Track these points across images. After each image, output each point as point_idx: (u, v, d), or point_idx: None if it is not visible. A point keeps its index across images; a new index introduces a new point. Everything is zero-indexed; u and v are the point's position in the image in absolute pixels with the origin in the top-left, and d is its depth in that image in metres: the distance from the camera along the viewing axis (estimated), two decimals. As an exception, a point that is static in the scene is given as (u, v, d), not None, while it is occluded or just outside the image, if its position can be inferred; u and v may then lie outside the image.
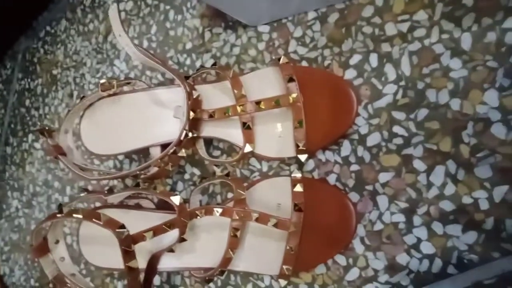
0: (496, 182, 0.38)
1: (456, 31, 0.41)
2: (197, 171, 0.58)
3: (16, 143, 0.90)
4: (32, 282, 0.80)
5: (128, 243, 0.38)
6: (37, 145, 0.84)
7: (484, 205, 0.39)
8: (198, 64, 0.60)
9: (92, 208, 0.55)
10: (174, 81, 0.62)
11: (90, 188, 0.68)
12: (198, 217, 0.44)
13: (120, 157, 0.65)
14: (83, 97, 0.50)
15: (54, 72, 0.83)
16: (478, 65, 0.40)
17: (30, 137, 0.86)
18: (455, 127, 0.41)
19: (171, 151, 0.45)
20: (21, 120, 0.90)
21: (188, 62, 0.61)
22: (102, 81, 0.48)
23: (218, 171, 0.55)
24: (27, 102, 0.89)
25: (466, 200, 0.39)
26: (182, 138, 0.44)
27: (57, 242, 0.48)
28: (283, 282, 0.46)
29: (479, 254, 0.38)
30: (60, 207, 0.43)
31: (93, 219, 0.38)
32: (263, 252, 0.46)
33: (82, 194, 0.49)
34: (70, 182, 0.75)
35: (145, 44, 0.67)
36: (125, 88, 0.52)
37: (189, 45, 0.61)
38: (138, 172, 0.46)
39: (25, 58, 0.93)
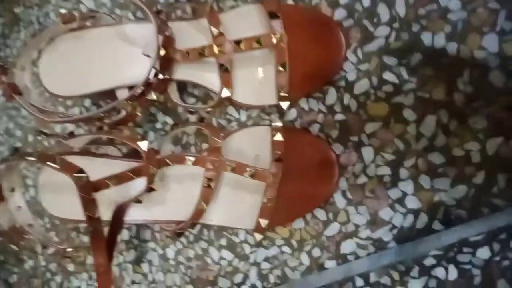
0: (490, 134, 0.36)
1: (457, -32, 0.38)
2: (170, 120, 0.55)
3: (-25, 88, 0.85)
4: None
5: (88, 190, 0.35)
6: (-2, 90, 0.79)
7: (476, 158, 0.37)
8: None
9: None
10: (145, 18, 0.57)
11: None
12: (169, 166, 0.41)
13: (87, 104, 0.61)
14: (42, 29, 0.45)
15: (16, 10, 0.77)
16: (478, 6, 0.37)
17: (-10, 81, 0.81)
18: (450, 73, 0.38)
19: (139, 91, 0.41)
20: (-20, 63, 0.84)
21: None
22: (62, 11, 0.44)
23: (192, 119, 0.52)
24: (-13, 43, 0.83)
25: (457, 152, 0.38)
26: (151, 77, 0.40)
27: (12, 190, 0.45)
28: (258, 236, 0.44)
29: (467, 209, 0.37)
30: (15, 150, 0.40)
31: (48, 162, 0.35)
32: (238, 205, 0.44)
33: (39, 137, 0.46)
34: (34, 131, 0.70)
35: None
36: (88, 23, 0.47)
37: (164, -19, 0.56)
38: (102, 115, 0.42)
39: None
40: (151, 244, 0.55)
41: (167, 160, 0.41)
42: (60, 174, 0.36)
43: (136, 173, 0.38)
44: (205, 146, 0.51)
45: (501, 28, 0.37)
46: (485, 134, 0.36)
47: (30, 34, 0.73)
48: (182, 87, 0.52)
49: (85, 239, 0.61)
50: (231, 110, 0.50)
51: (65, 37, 0.47)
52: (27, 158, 0.35)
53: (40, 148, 0.50)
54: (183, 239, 0.52)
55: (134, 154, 0.51)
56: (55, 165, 0.34)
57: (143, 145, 0.40)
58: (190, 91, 0.53)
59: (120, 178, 0.37)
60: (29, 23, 0.74)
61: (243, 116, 0.49)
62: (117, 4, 0.60)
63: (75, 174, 0.34)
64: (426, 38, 0.39)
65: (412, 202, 0.39)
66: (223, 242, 0.49)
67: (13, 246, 0.44)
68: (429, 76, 0.39)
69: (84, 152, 0.47)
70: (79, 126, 0.60)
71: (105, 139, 0.48)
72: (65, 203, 0.47)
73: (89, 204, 0.36)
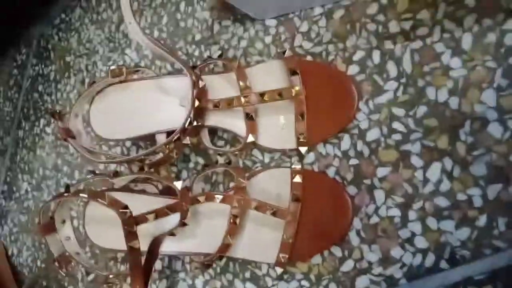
0: (490, 180, 0.39)
1: (457, 31, 0.42)
2: (201, 160, 0.60)
3: (28, 127, 0.93)
4: (39, 263, 0.82)
5: (131, 224, 0.40)
6: (48, 129, 0.86)
7: (478, 202, 0.39)
8: (206, 55, 0.61)
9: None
10: (182, 71, 0.63)
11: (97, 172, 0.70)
12: (199, 203, 0.46)
13: (128, 144, 0.67)
14: (93, 82, 0.52)
15: (67, 59, 0.85)
16: (477, 65, 0.41)
17: (42, 121, 0.89)
18: (453, 125, 0.41)
19: (176, 137, 0.46)
20: (33, 105, 0.92)
21: (196, 53, 0.62)
22: (112, 67, 0.50)
23: (221, 160, 0.56)
24: (40, 87, 0.91)
25: (461, 196, 0.40)
26: (186, 125, 0.46)
27: (63, 222, 0.50)
28: (279, 270, 0.47)
29: (471, 250, 0.39)
30: (67, 187, 0.45)
31: (98, 199, 0.40)
32: (260, 241, 0.48)
33: (88, 176, 0.51)
34: (79, 167, 0.77)
35: (156, 34, 0.68)
36: (134, 76, 0.54)
37: (198, 37, 0.63)
38: (143, 157, 0.48)
39: (39, 44, 0.95)
40: (182, 275, 0.58)
41: (199, 198, 0.45)
42: (105, 208, 0.41)
43: (171, 209, 0.43)
44: (232, 184, 0.56)
45: (498, 85, 0.40)
46: (485, 180, 0.39)
47: (79, 80, 0.80)
48: (213, 132, 0.58)
49: (122, 267, 0.66)
50: (256, 152, 0.54)
51: (113, 88, 0.54)
52: (81, 195, 0.40)
53: (86, 184, 0.55)
54: (210, 271, 0.56)
55: (169, 191, 0.56)
56: (104, 202, 0.39)
57: (178, 185, 0.44)
58: (219, 135, 0.58)
59: (158, 213, 0.42)
60: (78, 71, 0.82)
61: (266, 158, 0.53)
62: (157, 56, 0.67)
63: (121, 210, 0.39)
64: (430, 92, 0.43)
65: (421, 242, 0.42)
66: (247, 274, 0.53)
67: (61, 272, 0.48)
68: (434, 126, 0.42)
69: (125, 189, 0.52)
70: (122, 165, 0.65)
71: (143, 177, 0.53)
72: (108, 234, 0.52)
73: (131, 236, 0.40)
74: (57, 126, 0.51)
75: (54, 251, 0.49)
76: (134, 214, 0.41)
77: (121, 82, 0.53)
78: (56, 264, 0.49)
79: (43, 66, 0.92)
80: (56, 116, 0.50)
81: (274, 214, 0.44)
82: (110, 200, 0.40)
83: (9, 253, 0.91)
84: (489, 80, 0.40)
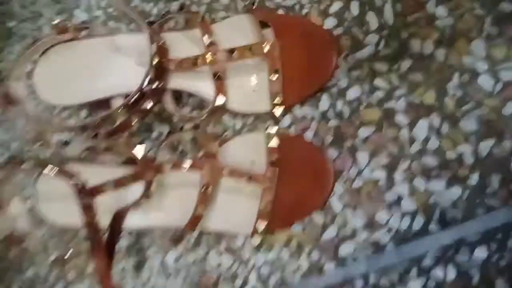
0: (482, 136, 0.36)
1: (443, -25, 0.37)
2: (165, 130, 0.53)
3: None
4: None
5: (85, 195, 0.34)
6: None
7: (469, 159, 0.36)
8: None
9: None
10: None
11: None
12: (165, 172, 0.40)
13: (83, 115, 0.60)
14: (36, 40, 0.44)
15: (10, 24, 0.75)
16: (465, 12, 0.37)
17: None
18: (440, 79, 0.38)
19: (133, 99, 0.39)
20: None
21: (155, 11, 0.55)
22: (54, 22, 0.42)
23: (187, 127, 0.50)
24: (-20, 56, 0.80)
25: (450, 155, 0.37)
26: (145, 85, 0.39)
27: (11, 198, 0.43)
28: (256, 241, 0.42)
29: (462, 211, 0.36)
30: (10, 159, 0.38)
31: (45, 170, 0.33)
32: (235, 210, 0.43)
33: (36, 147, 0.44)
34: (31, 142, 0.68)
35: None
36: (83, 33, 0.46)
37: (156, -8, 0.55)
38: (98, 124, 0.41)
39: (-25, 9, 0.83)
40: (152, 251, 0.53)
41: (164, 166, 0.39)
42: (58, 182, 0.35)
43: (133, 178, 0.37)
44: (201, 153, 0.50)
45: (488, 34, 0.36)
46: (476, 136, 0.36)
47: (24, 47, 0.71)
48: (177, 96, 0.51)
49: (85, 246, 0.59)
50: (226, 118, 0.49)
51: (59, 48, 0.46)
52: (24, 165, 0.34)
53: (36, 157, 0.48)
54: (182, 245, 0.51)
55: (130, 163, 0.49)
56: (52, 172, 0.33)
57: (139, 151, 0.38)
58: (184, 101, 0.51)
59: (117, 184, 0.36)
60: (22, 37, 0.72)
61: (238, 124, 0.48)
62: (110, 16, 0.59)
63: (72, 181, 0.33)
64: (415, 44, 0.39)
65: (408, 204, 0.38)
66: (223, 247, 0.48)
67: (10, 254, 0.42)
68: (419, 81, 0.38)
69: (80, 160, 0.45)
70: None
71: (101, 148, 0.46)
72: (63, 210, 0.45)
73: (87, 209, 0.34)
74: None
75: (1, 231, 0.42)
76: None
77: (68, 41, 0.45)
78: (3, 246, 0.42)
79: (-19, 33, 0.81)
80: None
81: (249, 180, 0.38)
82: (59, 170, 0.33)
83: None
84: (478, 29, 0.36)
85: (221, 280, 0.47)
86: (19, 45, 0.72)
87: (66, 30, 0.43)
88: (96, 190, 0.35)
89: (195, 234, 0.48)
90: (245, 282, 0.46)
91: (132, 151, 0.38)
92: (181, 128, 0.48)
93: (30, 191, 0.60)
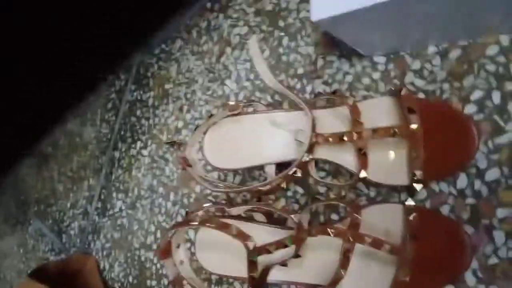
0: None
1: None
2: (300, 190, 0.61)
3: (125, 148, 0.99)
4: (131, 279, 0.87)
5: (253, 255, 0.42)
6: (145, 152, 0.92)
7: None
8: (308, 89, 0.63)
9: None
10: (282, 104, 0.66)
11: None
12: (313, 236, 0.47)
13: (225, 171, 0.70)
14: (211, 115, 0.55)
15: (166, 86, 0.90)
16: None
17: (139, 144, 0.94)
18: None
19: (292, 171, 0.48)
20: (130, 128, 0.99)
21: (298, 86, 0.64)
22: (231, 103, 0.53)
23: (321, 191, 0.58)
24: (138, 112, 0.98)
25: None
26: (303, 160, 0.48)
27: (178, 246, 0.53)
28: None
29: None
30: (188, 214, 0.48)
31: (225, 230, 0.42)
32: (369, 277, 0.48)
33: (207, 204, 0.54)
34: (174, 189, 0.81)
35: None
36: (249, 109, 0.57)
37: (300, 70, 0.65)
38: (259, 188, 0.50)
39: (139, 72, 1.02)
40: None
41: (313, 231, 0.47)
42: (215, 234, 0.43)
43: (292, 241, 0.44)
44: (333, 216, 0.57)
45: None
46: None
47: (177, 108, 0.85)
48: (315, 163, 0.59)
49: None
50: (360, 185, 0.55)
51: (227, 121, 0.57)
52: (207, 225, 0.43)
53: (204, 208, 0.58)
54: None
55: (273, 218, 0.58)
56: (233, 233, 0.42)
57: (295, 217, 0.46)
58: (320, 166, 0.59)
59: (277, 245, 0.44)
60: (177, 98, 0.87)
61: (372, 192, 0.54)
62: (257, 87, 0.70)
63: (246, 242, 0.41)
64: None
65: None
66: (350, 307, 0.53)
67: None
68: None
69: (237, 216, 0.55)
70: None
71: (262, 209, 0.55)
72: (218, 260, 0.55)
73: (252, 266, 0.42)
74: (176, 155, 0.55)
75: (170, 275, 0.51)
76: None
77: (235, 115, 0.56)
78: (171, 287, 0.51)
79: (141, 92, 0.99)
80: (176, 145, 0.54)
81: (390, 251, 0.44)
82: (237, 232, 0.42)
83: (101, 267, 0.97)
84: None
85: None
86: (173, 105, 0.87)
87: (237, 108, 0.54)
88: (262, 250, 0.43)
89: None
90: None
91: (290, 216, 0.46)
92: (327, 194, 0.55)
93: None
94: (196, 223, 0.45)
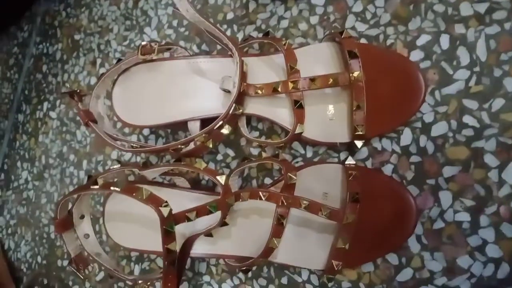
0: None
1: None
2: (231, 152, 0.56)
3: (30, 110, 0.88)
4: (39, 259, 0.78)
5: (170, 223, 0.36)
6: (53, 114, 0.82)
7: None
8: (240, 36, 0.57)
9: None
10: (211, 53, 0.59)
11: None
12: (242, 200, 0.42)
13: (145, 132, 0.63)
14: (119, 60, 0.47)
15: (76, 37, 0.80)
16: None
17: (46, 105, 0.84)
18: (537, 120, 0.38)
19: (218, 125, 0.42)
20: (36, 87, 0.87)
21: (228, 33, 0.58)
22: (144, 43, 0.46)
23: (255, 153, 0.52)
24: (44, 67, 0.86)
25: (545, 201, 0.37)
26: (231, 111, 0.42)
27: (82, 217, 0.46)
28: (327, 278, 0.43)
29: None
30: (91, 178, 0.41)
31: (133, 194, 0.36)
32: (306, 244, 0.44)
33: (115, 166, 0.47)
34: (87, 156, 0.73)
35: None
36: (165, 54, 0.49)
37: (230, 15, 0.58)
38: (179, 147, 0.44)
39: (44, 21, 0.90)
40: (206, 278, 0.55)
41: (242, 195, 0.41)
42: (128, 204, 0.37)
43: (215, 207, 0.39)
44: (267, 180, 0.52)
45: None
46: None
47: (90, 61, 0.76)
48: (246, 121, 0.53)
49: (136, 268, 0.61)
50: (296, 145, 0.50)
51: (139, 68, 0.49)
52: (112, 188, 0.36)
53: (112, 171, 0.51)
54: (240, 275, 0.52)
55: (197, 183, 0.52)
56: (142, 198, 0.35)
57: (222, 179, 0.40)
58: (254, 125, 0.54)
59: (199, 212, 0.38)
60: (89, 50, 0.77)
61: (309, 152, 0.50)
62: (181, 36, 0.63)
63: (160, 207, 0.35)
64: (508, 83, 0.39)
65: (493, 251, 0.39)
66: (284, 281, 0.49)
67: (80, 275, 0.44)
68: (513, 121, 0.39)
69: (154, 182, 0.48)
70: (138, 155, 0.61)
71: (171, 169, 0.48)
72: (132, 233, 0.48)
73: (169, 237, 0.36)
74: (77, 108, 0.46)
75: (71, 251, 0.44)
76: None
77: (149, 61, 0.48)
78: (73, 265, 0.44)
79: (48, 44, 0.87)
80: (75, 96, 0.46)
81: (328, 215, 0.40)
82: (148, 196, 0.36)
83: (5, 247, 0.87)
84: None
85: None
86: (84, 58, 0.77)
87: (152, 51, 0.46)
88: (179, 218, 0.37)
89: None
90: (311, 319, 0.47)
91: (216, 178, 0.40)
92: (260, 154, 0.50)
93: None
94: (97, 186, 0.38)
